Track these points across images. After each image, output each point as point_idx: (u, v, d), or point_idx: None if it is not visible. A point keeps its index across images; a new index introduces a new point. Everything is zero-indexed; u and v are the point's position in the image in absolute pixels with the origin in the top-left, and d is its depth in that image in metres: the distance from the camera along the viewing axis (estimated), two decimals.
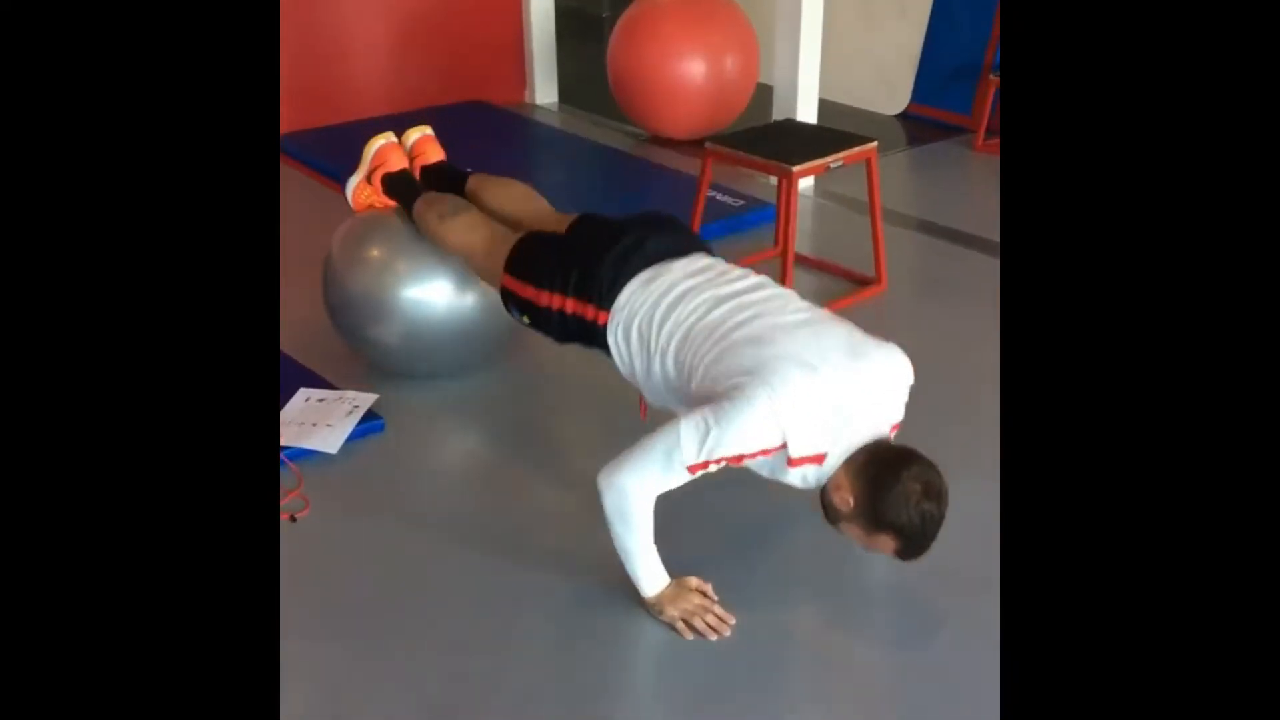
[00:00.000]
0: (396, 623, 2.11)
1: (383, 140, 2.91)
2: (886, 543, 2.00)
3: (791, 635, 2.11)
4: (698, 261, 2.26)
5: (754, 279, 2.22)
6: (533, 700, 1.93)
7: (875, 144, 3.39)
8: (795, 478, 2.02)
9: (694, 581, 2.11)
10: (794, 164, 3.19)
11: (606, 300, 2.21)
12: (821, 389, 1.96)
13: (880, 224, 3.44)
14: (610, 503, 2.00)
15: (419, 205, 2.71)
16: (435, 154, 2.95)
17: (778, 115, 4.20)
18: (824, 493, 2.05)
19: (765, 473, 2.06)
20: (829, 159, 3.28)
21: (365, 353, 2.88)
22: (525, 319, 2.39)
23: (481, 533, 2.37)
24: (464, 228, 2.59)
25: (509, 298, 2.40)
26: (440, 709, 1.92)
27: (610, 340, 2.23)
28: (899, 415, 2.11)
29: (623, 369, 2.26)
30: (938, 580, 2.17)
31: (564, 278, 2.26)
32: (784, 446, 1.94)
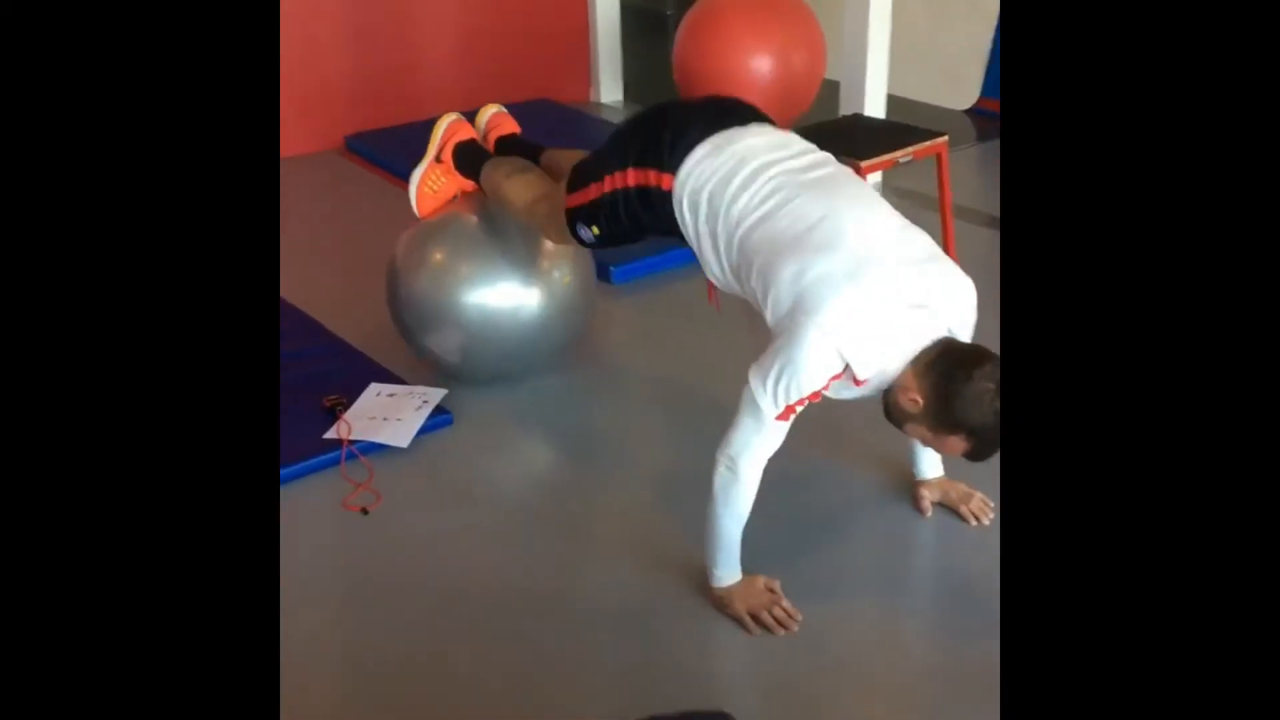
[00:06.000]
0: (465, 617, 2.13)
1: (452, 117, 2.89)
2: (956, 444, 1.93)
3: (855, 631, 2.09)
4: (765, 132, 2.20)
5: (832, 167, 2.13)
6: (596, 699, 1.94)
7: (945, 138, 3.35)
8: (867, 390, 1.97)
9: (762, 580, 2.11)
10: (862, 158, 3.17)
11: (670, 164, 2.15)
12: (870, 300, 1.89)
13: (950, 219, 3.40)
14: (719, 478, 2.00)
15: (486, 168, 2.71)
16: (510, 126, 2.92)
17: (845, 110, 4.17)
18: (888, 393, 1.97)
19: (838, 395, 2.00)
20: (898, 153, 3.25)
21: (429, 358, 2.88)
22: (594, 230, 2.32)
23: (550, 528, 2.38)
24: (529, 182, 2.58)
25: (574, 218, 2.34)
26: (502, 706, 1.93)
27: (676, 211, 2.16)
28: (966, 337, 2.02)
29: (690, 241, 2.20)
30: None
31: (623, 155, 2.22)
32: (848, 368, 1.89)
